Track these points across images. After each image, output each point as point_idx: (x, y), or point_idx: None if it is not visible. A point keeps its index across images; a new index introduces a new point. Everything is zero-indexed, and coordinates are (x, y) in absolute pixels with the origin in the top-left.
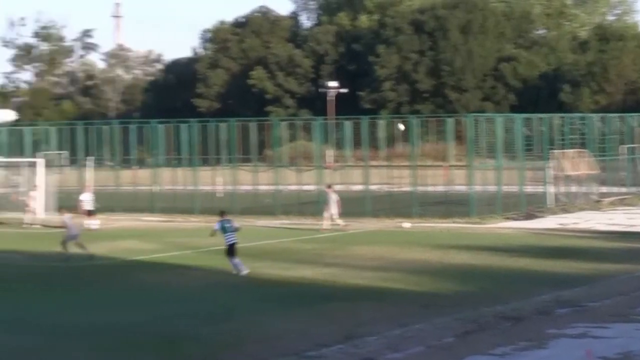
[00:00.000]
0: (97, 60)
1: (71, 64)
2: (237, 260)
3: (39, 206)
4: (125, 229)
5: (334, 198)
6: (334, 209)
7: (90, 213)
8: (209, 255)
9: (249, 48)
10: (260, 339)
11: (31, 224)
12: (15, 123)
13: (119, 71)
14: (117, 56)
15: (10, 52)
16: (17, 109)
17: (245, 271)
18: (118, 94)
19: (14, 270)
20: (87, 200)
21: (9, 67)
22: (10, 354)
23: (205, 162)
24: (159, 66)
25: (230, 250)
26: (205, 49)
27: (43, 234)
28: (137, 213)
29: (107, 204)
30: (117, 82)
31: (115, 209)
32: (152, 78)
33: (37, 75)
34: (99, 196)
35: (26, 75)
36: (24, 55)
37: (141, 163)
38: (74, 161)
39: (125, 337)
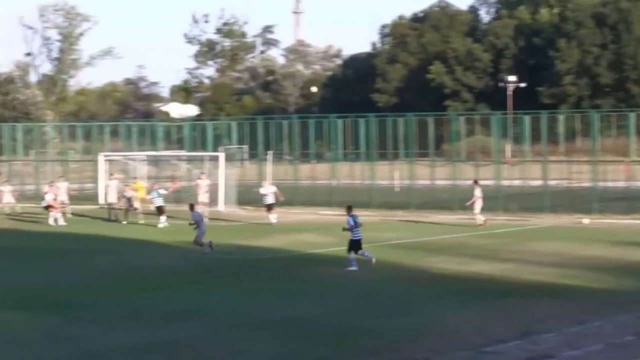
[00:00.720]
0: (277, 55)
1: (252, 59)
2: (352, 255)
3: (220, 199)
4: (303, 223)
5: (477, 194)
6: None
7: (269, 207)
8: (387, 249)
9: (427, 43)
10: (437, 333)
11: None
12: (197, 118)
13: (299, 66)
14: (297, 51)
15: (194, 49)
16: (200, 104)
17: (352, 268)
18: (297, 89)
19: (193, 262)
20: (267, 194)
21: (192, 63)
22: (190, 342)
23: (382, 157)
24: (338, 61)
25: (357, 246)
26: (383, 43)
27: (222, 227)
28: (315, 207)
29: (285, 197)
30: (296, 77)
31: (294, 202)
32: (331, 73)
33: (219, 70)
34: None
35: (208, 71)
36: (207, 51)
37: (319, 157)
38: (254, 155)
39: (302, 329)
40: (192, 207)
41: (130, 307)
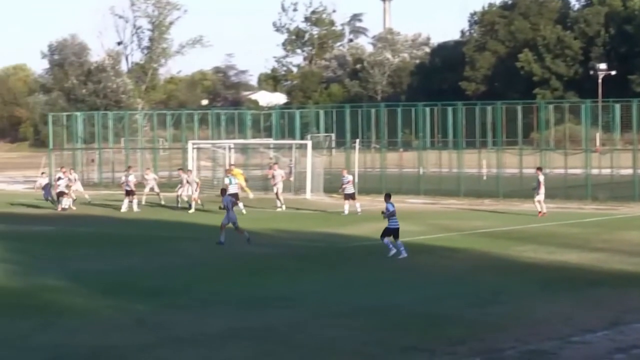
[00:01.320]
0: (365, 44)
1: (340, 47)
2: (387, 241)
3: (307, 187)
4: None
5: (540, 180)
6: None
7: (349, 197)
8: (475, 237)
9: (516, 30)
10: (525, 322)
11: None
12: (285, 106)
13: (387, 54)
14: (386, 39)
15: (282, 37)
16: (288, 92)
17: (391, 252)
18: (385, 77)
19: (282, 250)
20: (347, 182)
21: (281, 52)
22: (279, 329)
23: (470, 145)
24: (427, 49)
25: (395, 234)
26: (472, 31)
27: (309, 214)
28: (402, 195)
29: (372, 185)
30: (384, 65)
31: (381, 191)
32: (419, 61)
33: (307, 59)
34: (365, 178)
35: (297, 59)
36: (295, 39)
37: (407, 145)
38: (341, 143)
39: (390, 317)
40: (223, 192)
41: (220, 293)
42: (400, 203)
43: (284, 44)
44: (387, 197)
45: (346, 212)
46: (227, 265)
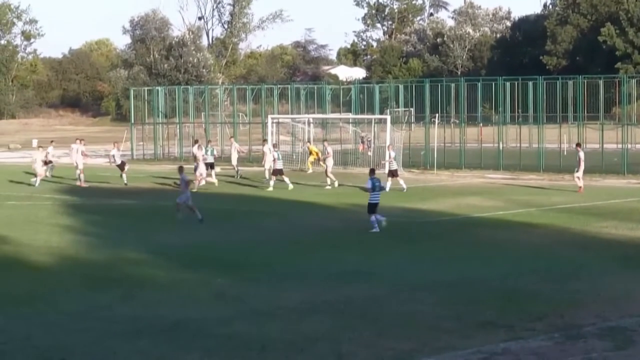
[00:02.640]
0: (445, 18)
1: (421, 22)
2: (374, 218)
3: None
4: (470, 186)
5: (580, 156)
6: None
7: (393, 174)
8: (554, 213)
9: (599, 3)
10: (604, 299)
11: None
12: (365, 80)
13: (468, 29)
14: (466, 14)
15: (362, 11)
16: (367, 66)
17: (374, 229)
18: (465, 52)
19: (359, 225)
20: (391, 159)
21: (361, 26)
22: (357, 303)
23: (551, 120)
24: (507, 23)
25: (371, 208)
26: (554, 5)
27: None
28: (482, 170)
29: (452, 160)
30: (465, 39)
31: (460, 166)
32: (500, 35)
33: (387, 33)
34: (445, 153)
35: (377, 33)
36: (375, 14)
37: (486, 120)
38: (420, 118)
39: (467, 292)
40: (180, 169)
41: (299, 267)
42: (480, 178)
43: (363, 18)
44: (371, 172)
45: (387, 189)
46: (306, 240)
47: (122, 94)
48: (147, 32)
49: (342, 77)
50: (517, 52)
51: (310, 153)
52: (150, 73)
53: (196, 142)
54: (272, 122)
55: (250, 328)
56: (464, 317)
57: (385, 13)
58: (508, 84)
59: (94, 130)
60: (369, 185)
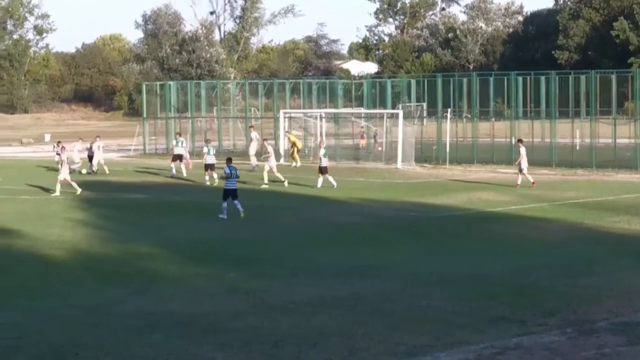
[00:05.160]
0: (457, 12)
1: (432, 16)
2: (225, 204)
3: (398, 157)
4: (482, 181)
5: (522, 152)
6: (523, 163)
7: (322, 171)
8: (567, 208)
9: None
10: (618, 294)
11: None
12: (377, 75)
13: (480, 23)
14: (478, 8)
15: (374, 6)
16: (379, 61)
17: (222, 215)
18: (478, 46)
19: (371, 219)
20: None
21: (373, 21)
22: (369, 298)
23: (563, 115)
24: (520, 17)
25: (227, 194)
26: None
27: (400, 184)
28: (494, 165)
29: (464, 155)
30: (477, 34)
31: (472, 160)
32: (512, 30)
33: (398, 28)
34: (457, 148)
35: (388, 28)
36: (387, 8)
37: (499, 115)
38: (432, 113)
39: (481, 287)
40: (229, 160)
41: (311, 262)
42: (492, 173)
43: (375, 13)
44: (228, 160)
45: (319, 185)
46: (318, 234)
47: (134, 88)
48: (159, 26)
49: (354, 72)
50: (530, 47)
51: (293, 144)
52: (163, 68)
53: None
54: (284, 117)
55: (263, 322)
56: (476, 312)
57: (397, 7)
58: (520, 78)
59: (107, 125)
60: (227, 171)
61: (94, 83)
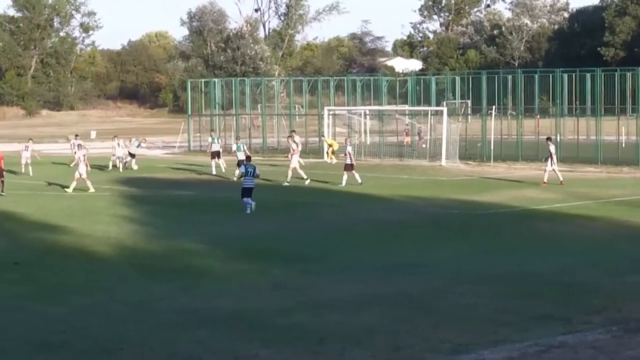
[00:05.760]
0: (502, 9)
1: (477, 13)
2: (246, 199)
3: (442, 154)
4: (527, 178)
5: (551, 150)
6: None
7: (348, 167)
8: (612, 205)
9: None
10: None
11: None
12: (421, 72)
13: (525, 20)
14: (524, 5)
15: (419, 3)
16: (424, 58)
17: (248, 211)
18: (523, 43)
19: (416, 217)
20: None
21: (417, 18)
22: (413, 295)
23: (609, 112)
24: (565, 14)
25: (244, 192)
26: None
27: (445, 181)
28: (539, 162)
29: (508, 152)
30: (522, 31)
31: (517, 157)
32: (557, 26)
33: (443, 25)
34: (501, 145)
35: (433, 25)
36: (432, 5)
37: (544, 112)
38: (477, 110)
39: (525, 285)
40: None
41: (356, 259)
42: (537, 170)
43: (420, 10)
44: (247, 158)
45: (344, 183)
46: (363, 232)
47: (179, 85)
48: (204, 24)
49: (398, 69)
50: (575, 44)
51: (330, 145)
52: (207, 65)
53: (237, 138)
54: (329, 114)
55: (308, 319)
56: (521, 310)
57: (442, 4)
58: (565, 75)
59: (152, 122)
60: (242, 170)
61: (139, 80)
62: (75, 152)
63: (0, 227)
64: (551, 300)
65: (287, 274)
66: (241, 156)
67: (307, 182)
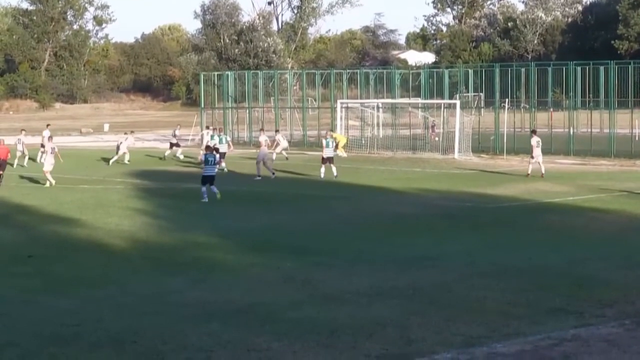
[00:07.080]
0: (516, 2)
1: (491, 6)
2: (204, 189)
3: (455, 147)
4: (540, 171)
5: (533, 143)
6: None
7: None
8: (626, 199)
9: None
10: None
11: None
12: (434, 65)
13: (539, 12)
14: None
15: None
16: (437, 51)
17: (204, 199)
18: (537, 36)
19: (428, 210)
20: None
21: (431, 11)
22: (426, 288)
23: (622, 105)
24: (579, 7)
25: (204, 180)
26: None
27: (457, 174)
28: (552, 155)
29: (522, 146)
30: (536, 23)
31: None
32: (571, 19)
33: (456, 18)
34: (515, 138)
35: (446, 18)
36: None
37: (557, 105)
38: (490, 103)
39: (537, 278)
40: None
41: (368, 252)
42: (550, 163)
43: (433, 3)
44: (207, 148)
45: (322, 175)
46: (374, 224)
47: (192, 78)
48: (217, 17)
49: (411, 62)
50: (589, 37)
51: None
52: (221, 58)
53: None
54: (341, 107)
55: (319, 312)
56: (533, 303)
57: None
58: (579, 68)
59: (165, 115)
60: (202, 157)
61: (152, 73)
62: (42, 145)
63: (14, 220)
64: (563, 294)
65: (298, 266)
66: (223, 149)
67: (273, 176)
